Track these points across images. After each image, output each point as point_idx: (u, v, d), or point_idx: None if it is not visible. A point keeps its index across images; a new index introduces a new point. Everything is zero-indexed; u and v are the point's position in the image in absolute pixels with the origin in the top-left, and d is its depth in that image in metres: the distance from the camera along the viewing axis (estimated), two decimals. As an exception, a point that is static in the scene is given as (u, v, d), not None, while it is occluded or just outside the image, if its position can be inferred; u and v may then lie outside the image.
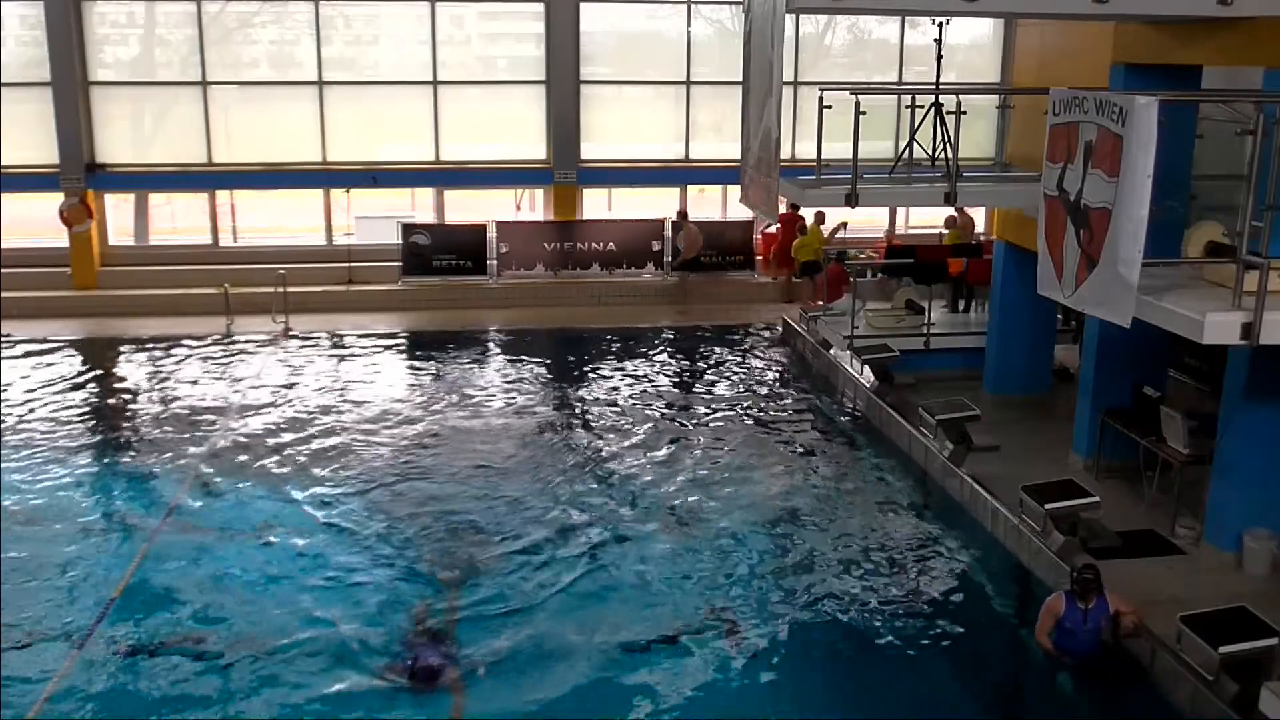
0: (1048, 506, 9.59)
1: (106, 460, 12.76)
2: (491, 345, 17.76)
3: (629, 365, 16.60)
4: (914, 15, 18.73)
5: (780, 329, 18.27)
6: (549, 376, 16.11)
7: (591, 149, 20.68)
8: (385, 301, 19.66)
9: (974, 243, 17.74)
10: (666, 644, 8.82)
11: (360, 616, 9.22)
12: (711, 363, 16.69)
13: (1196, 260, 8.37)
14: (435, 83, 20.37)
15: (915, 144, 11.89)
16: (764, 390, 15.56)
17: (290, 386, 15.37)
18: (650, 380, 15.83)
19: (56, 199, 19.56)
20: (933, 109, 11.68)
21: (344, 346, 17.52)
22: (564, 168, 20.49)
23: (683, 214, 20.28)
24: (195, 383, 15.61)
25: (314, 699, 8.13)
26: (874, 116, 11.67)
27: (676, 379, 15.91)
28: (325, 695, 8.16)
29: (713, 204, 22.30)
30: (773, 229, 20.37)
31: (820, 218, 19.37)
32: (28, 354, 16.91)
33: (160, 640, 8.85)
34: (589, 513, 11.27)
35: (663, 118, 20.99)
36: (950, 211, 17.74)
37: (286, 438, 13.36)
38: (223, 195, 21.12)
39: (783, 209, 19.87)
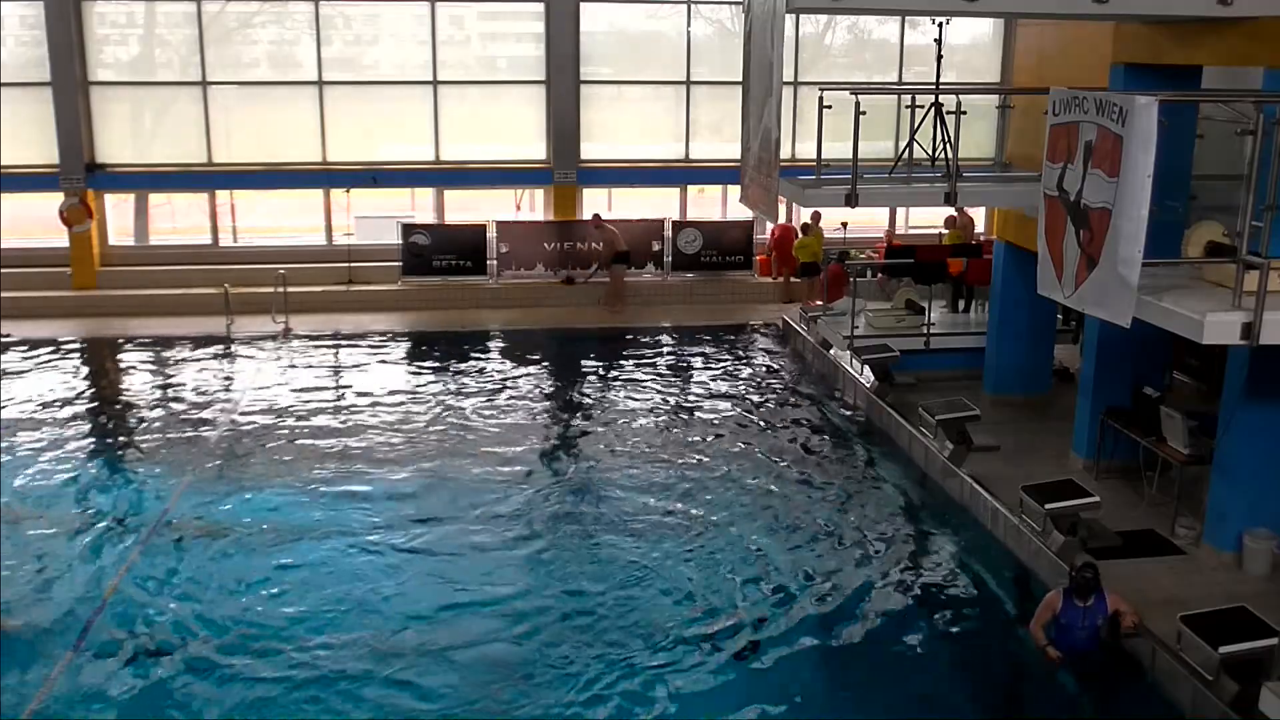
0: (1048, 506, 9.59)
1: (104, 460, 12.76)
2: (491, 345, 17.75)
3: (629, 365, 16.59)
4: (914, 15, 18.74)
5: (780, 329, 18.28)
6: (549, 377, 16.11)
7: (591, 149, 20.68)
8: (385, 301, 19.66)
9: (974, 243, 17.75)
10: (665, 645, 8.81)
11: (356, 616, 9.22)
12: (711, 363, 16.68)
13: (1196, 260, 8.37)
14: (435, 83, 20.36)
15: (915, 144, 11.89)
16: (764, 390, 15.56)
17: (290, 387, 15.35)
18: (650, 380, 15.82)
19: (56, 199, 19.57)
20: (933, 109, 11.68)
21: (344, 346, 17.52)
22: (564, 168, 20.49)
23: (596, 217, 19.83)
24: (194, 383, 15.60)
25: (310, 698, 8.13)
26: (874, 116, 11.67)
27: (676, 379, 15.90)
28: (321, 695, 8.16)
29: (713, 204, 22.31)
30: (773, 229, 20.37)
31: (816, 218, 19.39)
32: (27, 354, 16.91)
33: (153, 640, 8.83)
34: (588, 513, 11.27)
35: (663, 118, 20.99)
36: (950, 211, 17.75)
37: (285, 438, 13.36)
38: (223, 195, 21.13)
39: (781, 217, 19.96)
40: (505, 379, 15.86)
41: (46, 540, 10.54)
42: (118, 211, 21.14)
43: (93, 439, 13.42)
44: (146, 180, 20.32)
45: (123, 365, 16.78)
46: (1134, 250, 7.70)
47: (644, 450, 13.02)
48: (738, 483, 12.04)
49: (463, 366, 16.43)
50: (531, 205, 23.61)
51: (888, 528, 10.99)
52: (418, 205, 22.64)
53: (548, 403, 14.93)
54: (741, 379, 16.03)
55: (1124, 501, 10.64)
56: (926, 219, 20.84)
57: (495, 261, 20.26)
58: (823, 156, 11.60)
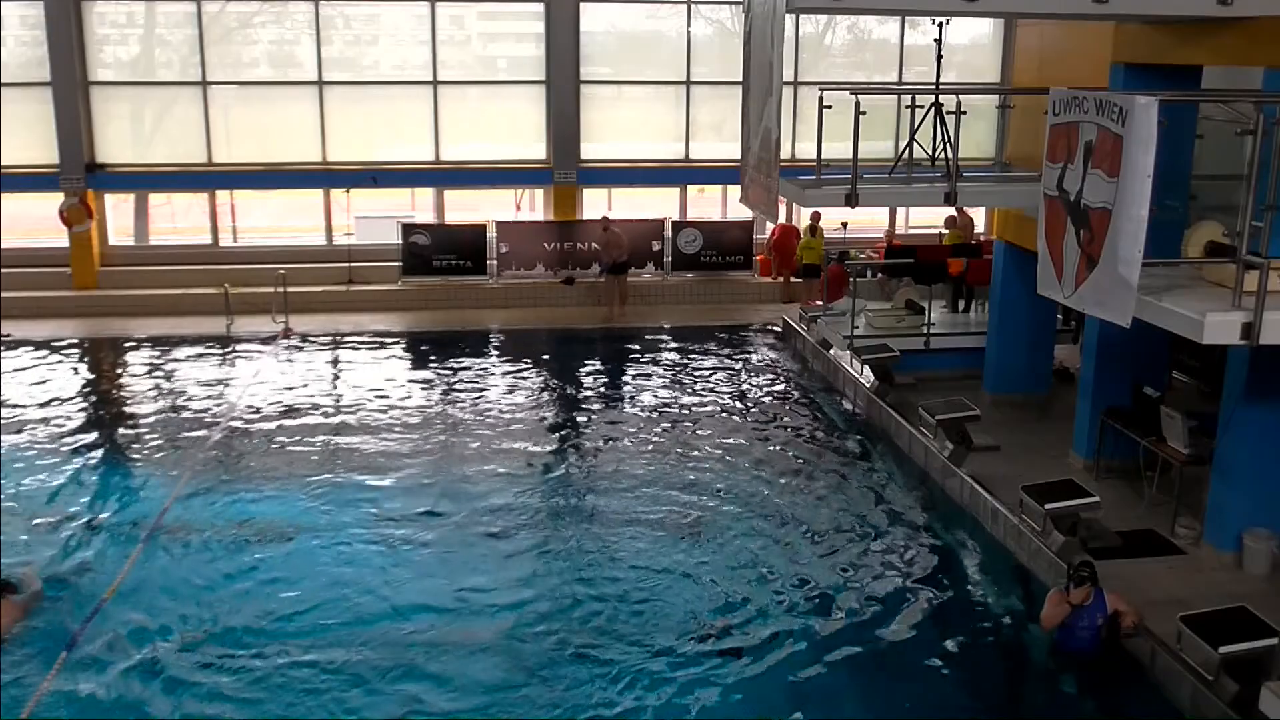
0: (1048, 506, 9.59)
1: (103, 459, 12.76)
2: (491, 345, 17.75)
3: (629, 366, 16.61)
4: (914, 15, 18.73)
5: (780, 329, 18.28)
6: (549, 377, 16.10)
7: (591, 149, 20.68)
8: (385, 301, 19.67)
9: (974, 243, 17.74)
10: (666, 644, 8.80)
11: (358, 616, 9.22)
12: (711, 363, 16.68)
13: (1196, 260, 8.37)
14: (435, 83, 20.37)
15: (915, 144, 11.89)
16: (764, 390, 15.56)
17: (290, 387, 15.36)
18: (650, 381, 15.83)
19: (56, 199, 19.57)
20: (933, 109, 11.67)
21: (344, 347, 17.53)
22: (564, 168, 20.49)
23: (605, 220, 19.55)
24: (194, 383, 15.60)
25: (311, 698, 8.12)
26: (874, 116, 11.67)
27: (676, 379, 15.90)
28: (323, 695, 8.16)
29: (713, 204, 22.31)
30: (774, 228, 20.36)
31: (816, 217, 19.36)
32: (28, 354, 16.91)
33: (152, 639, 8.82)
34: (588, 514, 11.28)
35: (663, 118, 20.99)
36: (950, 211, 17.74)
37: (285, 438, 13.35)
38: (223, 195, 21.14)
39: (781, 217, 19.93)
40: (505, 379, 15.86)
41: (46, 540, 10.52)
42: (118, 211, 21.15)
43: (92, 439, 13.40)
44: (146, 180, 20.32)
45: (123, 365, 16.77)
46: (1134, 250, 7.69)
47: (643, 450, 13.02)
48: (737, 483, 12.02)
49: (463, 366, 16.43)
50: (531, 205, 23.62)
51: (887, 528, 10.99)
52: (418, 205, 22.66)
53: (548, 403, 14.93)
54: (742, 379, 16.03)
55: (1124, 501, 10.64)
56: (926, 219, 20.84)
57: (495, 261, 20.26)
58: (823, 156, 11.60)
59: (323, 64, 20.16)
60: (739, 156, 12.07)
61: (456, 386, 15.49)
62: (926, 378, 14.36)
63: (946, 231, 18.37)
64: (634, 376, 16.06)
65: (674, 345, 17.60)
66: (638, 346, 17.48)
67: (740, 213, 20.05)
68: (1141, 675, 8.28)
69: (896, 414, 13.25)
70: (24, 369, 16.18)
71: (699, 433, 13.63)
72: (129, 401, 14.98)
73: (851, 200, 11.16)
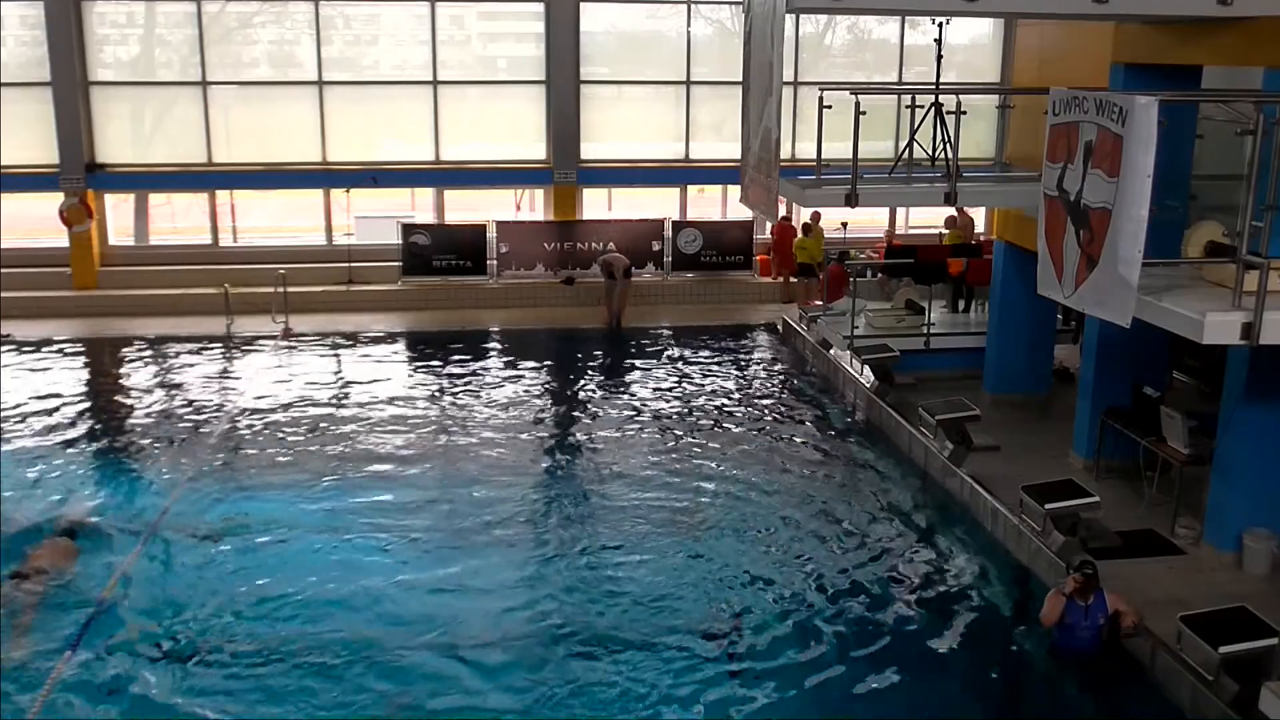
0: (1048, 506, 9.60)
1: (104, 460, 12.75)
2: (491, 345, 17.75)
3: (629, 366, 16.59)
4: (914, 15, 18.74)
5: (780, 329, 18.28)
6: (549, 377, 16.11)
7: (591, 149, 20.68)
8: (385, 301, 19.67)
9: (974, 243, 17.75)
10: (665, 644, 8.80)
11: (357, 617, 9.21)
12: (711, 363, 16.68)
13: (1196, 260, 8.37)
14: (435, 83, 20.37)
15: (915, 144, 11.89)
16: (764, 390, 15.56)
17: (290, 387, 15.35)
18: (650, 381, 15.82)
19: (56, 199, 19.57)
20: (933, 109, 11.68)
21: (344, 347, 17.53)
22: (564, 168, 20.50)
23: (608, 250, 19.48)
24: (194, 383, 15.60)
25: (309, 699, 8.12)
26: (874, 116, 11.67)
27: (676, 380, 15.90)
28: (319, 696, 8.16)
29: (713, 204, 22.31)
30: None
31: (815, 218, 19.35)
32: (28, 354, 16.91)
33: (152, 640, 8.82)
34: (590, 513, 11.27)
35: (663, 118, 20.99)
36: (950, 211, 17.74)
37: (284, 438, 13.35)
38: (223, 195, 21.14)
39: (781, 212, 19.93)
40: (505, 379, 15.86)
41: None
42: (118, 211, 21.15)
43: (92, 439, 13.41)
44: (146, 180, 20.32)
45: (123, 365, 16.77)
46: (1134, 250, 7.70)
47: (643, 450, 13.02)
48: (737, 483, 12.02)
49: (463, 366, 16.43)
50: (531, 205, 23.62)
51: (887, 528, 10.99)
52: (418, 205, 22.66)
53: (548, 403, 14.93)
54: (741, 379, 16.03)
55: (1124, 501, 10.64)
56: (926, 219, 20.84)
57: (495, 261, 20.26)
58: (823, 156, 11.61)
59: (323, 64, 20.16)
60: (739, 156, 12.08)
61: (457, 386, 15.48)
62: (926, 378, 14.36)
63: (946, 231, 18.37)
64: (634, 377, 16.05)
65: (674, 345, 17.60)
66: (638, 347, 17.48)
67: (740, 213, 20.06)
68: (1141, 675, 8.29)
69: (896, 414, 13.25)
70: (24, 369, 16.16)
71: (699, 433, 13.62)
72: (129, 402, 14.97)
73: (851, 200, 11.18)
